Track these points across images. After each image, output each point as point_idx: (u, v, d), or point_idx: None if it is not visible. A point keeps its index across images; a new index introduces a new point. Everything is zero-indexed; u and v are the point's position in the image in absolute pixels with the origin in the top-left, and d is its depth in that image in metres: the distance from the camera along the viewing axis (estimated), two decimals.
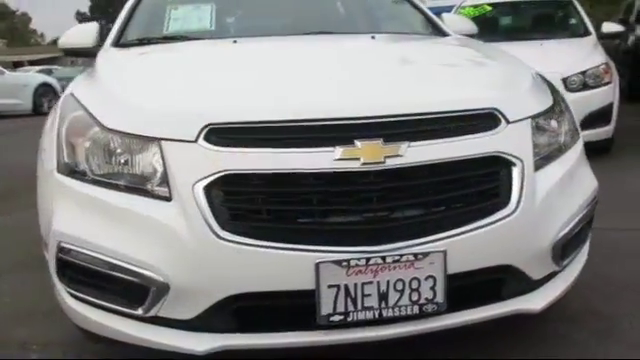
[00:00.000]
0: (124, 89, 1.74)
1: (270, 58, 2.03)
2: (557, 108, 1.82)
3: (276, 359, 1.60)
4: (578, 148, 1.85)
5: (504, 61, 2.06)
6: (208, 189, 1.45)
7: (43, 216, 1.77)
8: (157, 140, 1.51)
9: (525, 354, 1.87)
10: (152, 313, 1.52)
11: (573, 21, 5.78)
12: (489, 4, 6.32)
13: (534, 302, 1.64)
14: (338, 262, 1.42)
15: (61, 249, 1.60)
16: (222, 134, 1.49)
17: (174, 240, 1.46)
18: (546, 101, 1.79)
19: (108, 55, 2.30)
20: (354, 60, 1.99)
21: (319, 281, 1.42)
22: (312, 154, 1.45)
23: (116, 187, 1.57)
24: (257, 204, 1.46)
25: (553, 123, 1.77)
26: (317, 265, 1.41)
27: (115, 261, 1.51)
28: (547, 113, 1.75)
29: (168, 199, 1.50)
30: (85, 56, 2.92)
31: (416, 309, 1.48)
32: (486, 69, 1.99)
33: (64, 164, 1.66)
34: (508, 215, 1.54)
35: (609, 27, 5.64)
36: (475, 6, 6.29)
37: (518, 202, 1.55)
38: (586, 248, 1.92)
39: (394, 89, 1.66)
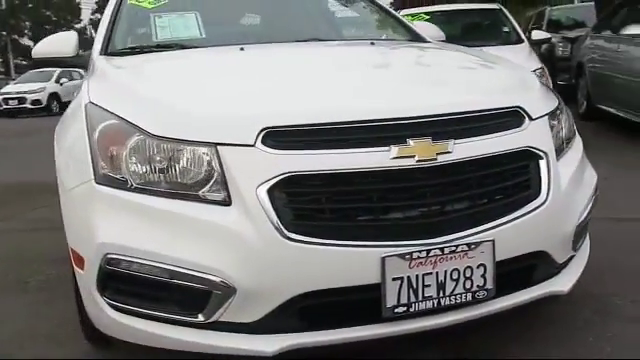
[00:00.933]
0: (162, 96, 1.72)
1: (293, 64, 2.07)
2: (561, 106, 1.98)
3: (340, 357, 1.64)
4: (580, 143, 2.02)
5: (509, 65, 2.21)
6: (271, 191, 1.47)
7: (76, 231, 1.71)
8: (213, 145, 1.52)
9: (535, 339, 2.00)
10: (214, 319, 1.52)
11: (506, 29, 6.16)
12: (425, 13, 6.60)
13: (561, 284, 1.78)
14: (402, 255, 1.49)
15: (109, 261, 1.55)
16: (279, 137, 1.51)
17: (240, 243, 1.46)
18: (554, 100, 1.95)
19: (116, 63, 2.24)
20: (378, 64, 2.07)
21: (385, 274, 1.48)
22: (369, 154, 1.51)
23: (166, 194, 1.55)
24: (319, 204, 1.50)
25: (561, 119, 1.93)
26: (383, 259, 1.47)
27: (175, 268, 1.49)
28: (556, 111, 1.91)
29: (227, 203, 1.50)
30: (60, 66, 2.82)
31: (469, 296, 1.57)
32: (499, 72, 2.13)
33: (102, 175, 1.62)
34: (541, 204, 1.67)
35: (538, 34, 6.05)
36: (412, 15, 6.55)
37: (548, 192, 1.69)
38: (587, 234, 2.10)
39: (434, 91, 1.76)
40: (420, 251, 1.50)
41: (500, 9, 6.30)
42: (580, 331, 2.04)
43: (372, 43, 2.46)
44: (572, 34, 9.79)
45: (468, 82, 1.91)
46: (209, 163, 1.53)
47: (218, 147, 1.51)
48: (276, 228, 1.45)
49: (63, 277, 2.88)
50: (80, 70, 14.65)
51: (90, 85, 2.03)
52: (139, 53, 2.43)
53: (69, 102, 2.38)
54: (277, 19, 2.91)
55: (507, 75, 2.06)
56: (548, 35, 6.37)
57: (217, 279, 1.47)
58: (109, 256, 1.56)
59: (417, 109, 1.60)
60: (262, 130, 1.51)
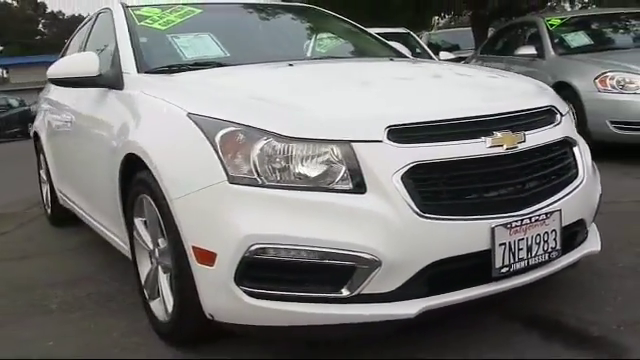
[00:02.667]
0: (282, 103, 1.93)
1: (358, 77, 2.36)
2: (570, 106, 2.46)
3: None
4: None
5: (518, 75, 2.65)
6: (403, 178, 1.75)
7: (204, 229, 1.85)
8: (347, 142, 1.77)
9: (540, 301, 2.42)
10: (357, 292, 1.75)
11: (418, 51, 6.82)
12: None
13: (594, 246, 2.22)
14: (505, 225, 1.83)
15: (255, 251, 1.73)
16: (399, 133, 1.80)
17: (383, 223, 1.72)
18: (564, 102, 2.42)
19: (177, 79, 2.41)
20: (428, 75, 2.42)
21: (494, 241, 1.81)
22: (470, 144, 1.85)
23: (300, 187, 1.77)
24: (438, 186, 1.81)
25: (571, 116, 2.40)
26: (492, 229, 1.81)
27: (325, 250, 1.71)
28: (569, 109, 2.38)
29: (361, 191, 1.75)
30: (77, 86, 2.84)
31: (547, 256, 1.95)
32: (520, 80, 2.56)
33: (234, 176, 1.79)
34: (581, 182, 2.11)
35: (446, 55, 6.76)
36: None
37: (583, 172, 2.13)
38: None
39: (496, 94, 2.14)
40: (516, 220, 1.85)
41: (409, 33, 6.96)
42: (591, 286, 2.50)
43: (391, 59, 2.82)
44: (452, 55, 10.94)
45: (507, 87, 2.33)
46: (340, 158, 1.77)
47: (352, 144, 1.76)
48: (411, 208, 1.73)
49: (81, 298, 2.90)
50: None
51: (169, 99, 2.16)
52: (179, 71, 2.56)
53: None
54: (280, 40, 3.17)
55: (528, 82, 2.50)
56: (453, 56, 7.14)
57: (367, 255, 1.71)
58: (255, 246, 1.73)
59: (497, 108, 1.97)
60: (387, 128, 1.79)
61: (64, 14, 54.81)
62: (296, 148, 1.79)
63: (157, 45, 2.86)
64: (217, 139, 1.86)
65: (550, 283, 2.35)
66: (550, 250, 1.96)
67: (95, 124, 2.86)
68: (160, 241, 2.20)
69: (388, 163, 1.76)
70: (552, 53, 6.25)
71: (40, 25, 54.28)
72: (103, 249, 3.65)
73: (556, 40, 6.43)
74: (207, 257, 1.84)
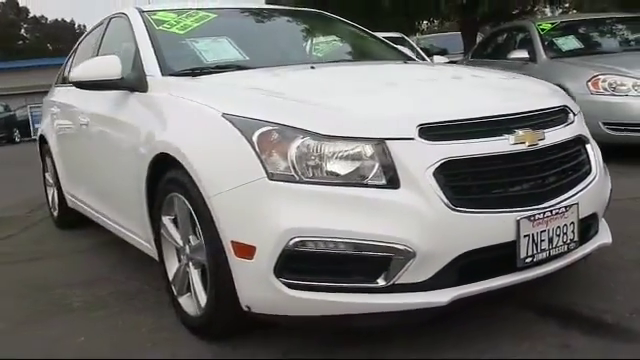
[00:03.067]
0: (317, 102, 2.03)
1: (382, 78, 2.46)
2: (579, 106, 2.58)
3: None
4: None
5: (526, 77, 2.77)
6: (435, 174, 1.85)
7: (243, 224, 1.93)
8: (381, 140, 1.86)
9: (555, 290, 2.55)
10: (392, 282, 1.84)
11: (413, 55, 6.95)
12: None
13: (605, 238, 2.34)
14: (528, 217, 1.94)
15: (295, 244, 1.82)
16: (429, 132, 1.90)
17: (417, 216, 1.82)
18: (575, 103, 2.54)
19: (205, 81, 2.49)
20: (448, 77, 2.53)
21: (519, 233, 1.92)
22: (495, 141, 1.96)
23: (335, 183, 1.86)
24: (467, 181, 1.91)
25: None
26: (518, 221, 1.92)
27: (362, 242, 1.80)
28: (580, 110, 2.50)
29: (394, 186, 1.85)
30: (100, 88, 2.90)
31: (565, 247, 2.06)
32: (532, 81, 2.67)
33: (273, 173, 1.88)
34: (594, 178, 2.23)
35: (440, 59, 6.90)
36: None
37: (596, 168, 2.25)
38: None
39: (514, 95, 2.26)
40: (539, 213, 1.97)
41: (403, 37, 7.10)
42: (599, 278, 2.63)
43: (405, 62, 2.93)
44: (445, 59, 11.14)
45: (524, 88, 2.45)
46: (374, 154, 1.87)
47: (386, 142, 1.86)
48: (443, 202, 1.83)
49: (103, 297, 2.96)
50: None
51: (200, 100, 2.25)
52: (202, 74, 2.64)
53: None
54: (294, 44, 3.28)
55: (541, 83, 2.61)
56: (447, 60, 7.27)
57: (402, 247, 1.81)
58: (295, 240, 1.82)
59: (517, 107, 2.09)
60: (418, 126, 1.89)
61: (47, 18, 54.57)
62: (332, 146, 1.88)
63: (178, 49, 2.93)
64: (254, 138, 1.94)
65: (559, 276, 2.46)
66: (569, 242, 2.07)
67: (116, 126, 2.92)
68: (191, 238, 2.28)
69: (420, 159, 1.86)
70: (544, 57, 6.42)
71: (22, 30, 53.92)
72: (114, 250, 3.74)
73: (547, 44, 6.61)
74: (246, 251, 1.92)
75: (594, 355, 1.99)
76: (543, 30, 6.82)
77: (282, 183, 1.88)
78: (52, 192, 4.71)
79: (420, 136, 1.89)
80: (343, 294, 1.86)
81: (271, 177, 1.89)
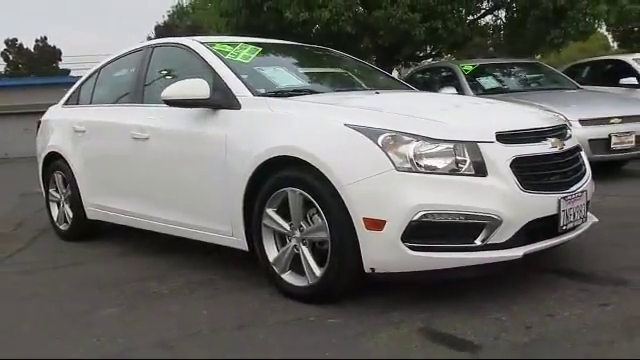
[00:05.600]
0: (419, 116, 2.76)
1: (440, 102, 3.27)
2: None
3: None
4: None
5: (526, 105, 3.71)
6: (510, 166, 2.66)
7: (377, 203, 2.59)
8: (474, 142, 2.64)
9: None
10: (485, 242, 2.60)
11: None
12: None
13: (595, 218, 3.27)
14: (564, 198, 2.81)
15: (420, 216, 2.53)
16: (502, 137, 2.71)
17: (501, 195, 2.61)
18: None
19: (302, 100, 3.17)
20: (475, 103, 3.41)
21: (559, 208, 2.78)
22: (540, 145, 2.82)
23: (440, 172, 2.60)
24: (527, 172, 2.74)
25: None
26: (559, 200, 2.78)
27: (470, 212, 2.55)
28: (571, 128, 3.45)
29: (483, 175, 2.63)
30: (189, 106, 3.39)
31: (580, 221, 2.96)
32: (535, 107, 3.59)
33: (398, 166, 2.58)
34: (589, 175, 3.16)
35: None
36: None
37: (589, 169, 3.20)
38: None
39: (538, 115, 3.15)
40: (570, 195, 2.84)
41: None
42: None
43: (421, 91, 3.77)
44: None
45: (536, 112, 3.37)
46: (467, 152, 2.64)
47: (477, 143, 2.64)
48: (517, 185, 2.65)
49: (183, 285, 3.37)
50: None
51: (315, 114, 2.91)
52: (283, 96, 3.28)
53: None
54: (338, 75, 4.02)
55: (542, 109, 3.54)
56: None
57: (495, 215, 2.58)
58: (420, 213, 2.53)
59: (548, 123, 2.98)
60: (496, 133, 2.70)
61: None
62: (438, 146, 2.63)
63: (251, 74, 3.52)
64: (379, 141, 2.64)
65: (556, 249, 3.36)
66: (582, 217, 2.97)
67: (200, 138, 3.40)
68: (303, 223, 2.89)
69: (500, 156, 2.66)
70: (471, 93, 7.59)
71: None
72: (145, 253, 4.16)
73: (472, 83, 7.81)
74: (376, 225, 2.59)
75: (604, 292, 2.85)
76: (467, 71, 8.03)
77: (406, 173, 2.59)
78: (60, 207, 4.92)
79: (497, 140, 2.69)
80: (450, 253, 2.59)
81: (397, 169, 2.59)
